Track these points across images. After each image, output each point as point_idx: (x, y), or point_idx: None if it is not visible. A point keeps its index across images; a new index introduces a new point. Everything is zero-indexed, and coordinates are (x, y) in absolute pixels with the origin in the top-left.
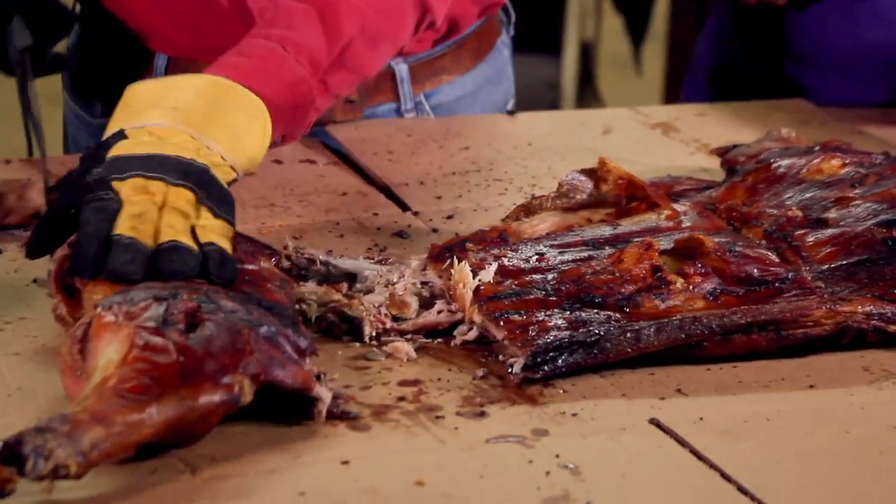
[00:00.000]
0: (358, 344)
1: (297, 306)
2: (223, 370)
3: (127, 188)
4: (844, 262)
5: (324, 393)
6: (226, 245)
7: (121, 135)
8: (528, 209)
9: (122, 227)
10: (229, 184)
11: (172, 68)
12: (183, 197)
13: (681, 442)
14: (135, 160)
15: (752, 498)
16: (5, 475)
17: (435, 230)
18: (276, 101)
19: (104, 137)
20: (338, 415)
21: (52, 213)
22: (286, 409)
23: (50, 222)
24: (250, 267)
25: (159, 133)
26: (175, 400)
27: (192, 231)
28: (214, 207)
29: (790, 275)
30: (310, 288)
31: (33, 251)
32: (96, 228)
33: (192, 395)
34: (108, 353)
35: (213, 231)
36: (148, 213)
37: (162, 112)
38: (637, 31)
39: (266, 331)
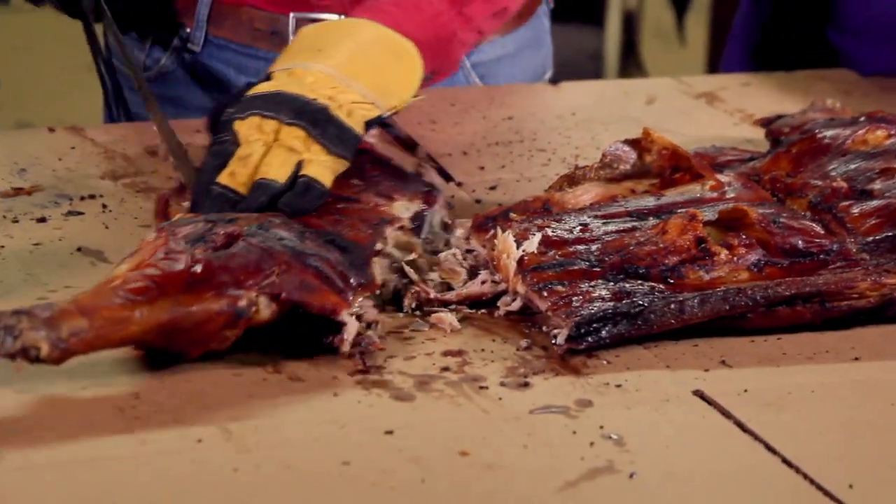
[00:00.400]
0: (401, 314)
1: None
2: (234, 284)
3: (244, 128)
4: (890, 234)
5: (350, 322)
6: (324, 178)
7: (266, 77)
8: (571, 179)
9: (225, 173)
10: (371, 121)
11: (214, 16)
12: (293, 135)
13: (725, 413)
14: (257, 99)
15: (797, 470)
16: None
17: (478, 201)
18: (420, 37)
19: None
20: (362, 352)
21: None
22: (314, 336)
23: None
24: (353, 206)
25: (299, 73)
26: (171, 304)
27: (299, 166)
28: (328, 144)
29: (835, 246)
30: (399, 238)
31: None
32: (207, 178)
33: (190, 301)
34: (132, 260)
35: (319, 165)
36: (253, 154)
37: (309, 54)
38: (680, 0)
39: (309, 258)
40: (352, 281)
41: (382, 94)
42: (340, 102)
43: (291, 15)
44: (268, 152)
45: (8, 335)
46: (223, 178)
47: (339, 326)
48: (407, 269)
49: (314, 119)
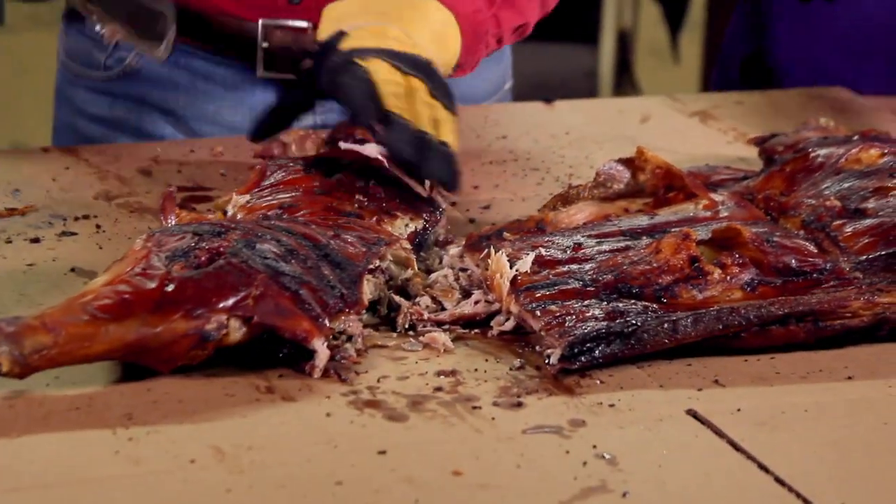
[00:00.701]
0: (395, 334)
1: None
2: (205, 305)
3: (376, 66)
4: (883, 253)
5: (321, 349)
6: (455, 145)
7: (341, 34)
8: (565, 199)
9: (391, 104)
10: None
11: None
12: (419, 87)
13: (718, 433)
14: (369, 50)
15: (790, 489)
16: None
17: (472, 220)
18: (462, 25)
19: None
20: (337, 375)
21: (285, 98)
22: (289, 359)
23: (282, 106)
24: (354, 222)
25: (377, 31)
26: (138, 324)
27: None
28: (444, 100)
29: (828, 265)
30: (397, 255)
31: (258, 133)
32: (363, 95)
33: (156, 322)
34: (111, 271)
35: (448, 128)
36: (404, 96)
37: (373, 16)
38: (674, 18)
39: (288, 281)
40: (331, 304)
41: (441, 55)
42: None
43: (260, 22)
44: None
45: None
46: (394, 108)
47: (312, 353)
48: (394, 296)
49: (427, 73)
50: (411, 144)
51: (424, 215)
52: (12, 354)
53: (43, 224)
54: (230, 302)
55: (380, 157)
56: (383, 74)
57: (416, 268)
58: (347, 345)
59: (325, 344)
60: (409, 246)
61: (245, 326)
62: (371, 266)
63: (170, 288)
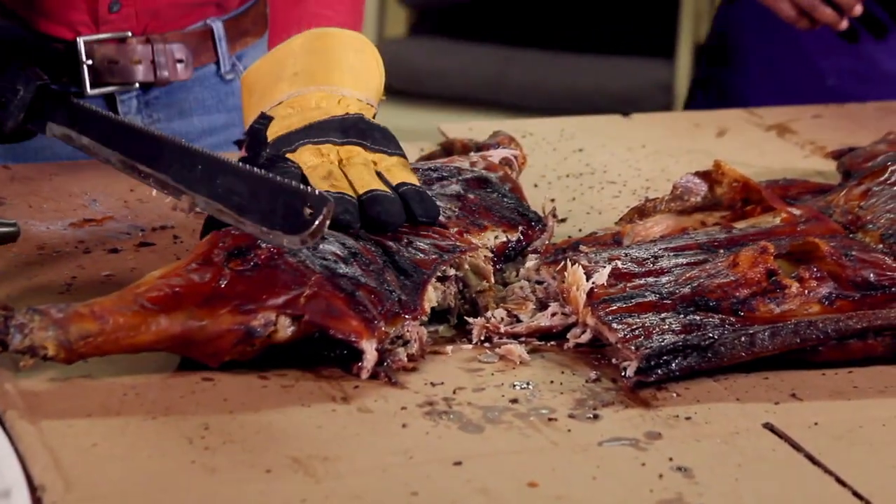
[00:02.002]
0: (471, 346)
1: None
2: (253, 301)
3: (303, 156)
4: None
5: (369, 351)
6: (414, 180)
7: (264, 118)
8: (641, 211)
9: (322, 186)
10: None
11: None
12: (354, 151)
13: (795, 446)
14: (293, 135)
15: (868, 503)
16: None
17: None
18: (357, 25)
19: (246, 128)
20: (387, 378)
21: None
22: (341, 361)
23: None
24: (433, 229)
25: (298, 103)
26: (184, 316)
27: (380, 176)
28: (384, 149)
29: None
30: (476, 263)
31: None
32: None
33: (203, 315)
34: (172, 265)
35: (398, 170)
36: (334, 172)
37: (288, 83)
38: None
39: (344, 282)
40: (387, 307)
41: (365, 91)
42: (356, 110)
43: (80, 39)
44: (344, 171)
45: (17, 332)
46: (324, 188)
47: (361, 354)
48: (462, 307)
49: (359, 131)
50: (350, 212)
51: (521, 228)
52: (58, 339)
53: (121, 235)
54: (280, 300)
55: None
56: (308, 160)
57: (492, 279)
58: (400, 349)
59: (377, 346)
60: (489, 255)
61: (295, 325)
62: (439, 273)
63: (222, 283)
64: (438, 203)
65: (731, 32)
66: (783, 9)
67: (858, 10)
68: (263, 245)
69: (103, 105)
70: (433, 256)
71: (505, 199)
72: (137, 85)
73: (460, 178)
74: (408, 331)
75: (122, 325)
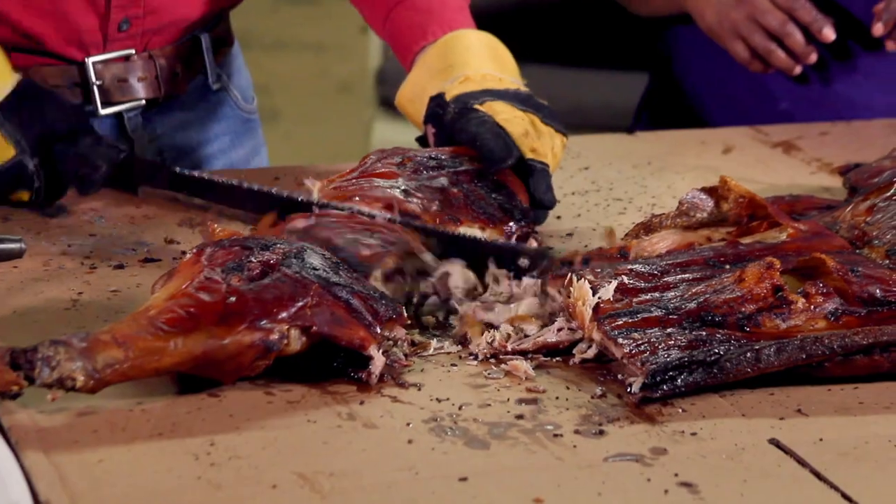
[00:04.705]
0: (476, 362)
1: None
2: (267, 316)
3: (494, 107)
4: None
5: (377, 356)
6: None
7: (438, 97)
8: (647, 227)
9: (523, 144)
10: None
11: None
12: (535, 119)
13: (801, 462)
14: (476, 93)
15: None
16: (12, 378)
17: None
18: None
19: (424, 123)
20: (393, 380)
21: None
22: (344, 368)
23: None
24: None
25: (468, 79)
26: (205, 336)
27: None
28: (554, 124)
29: None
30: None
31: None
32: (495, 139)
33: (223, 334)
34: (168, 287)
35: (559, 149)
36: (530, 132)
37: (447, 73)
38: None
39: (340, 290)
40: (381, 312)
41: (517, 77)
42: (523, 87)
43: (89, 60)
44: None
45: (45, 366)
46: (526, 150)
47: (367, 360)
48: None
49: (535, 104)
50: (551, 190)
51: (504, 226)
52: (86, 369)
53: (127, 250)
54: (290, 312)
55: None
56: (506, 114)
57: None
58: (395, 349)
59: (381, 350)
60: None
61: (304, 336)
62: (384, 268)
63: (232, 300)
64: (418, 194)
65: (680, 54)
66: (737, 51)
67: (813, 58)
68: (253, 258)
69: (113, 125)
70: (378, 251)
71: (494, 196)
72: (144, 102)
73: (455, 169)
74: (396, 331)
75: (145, 349)
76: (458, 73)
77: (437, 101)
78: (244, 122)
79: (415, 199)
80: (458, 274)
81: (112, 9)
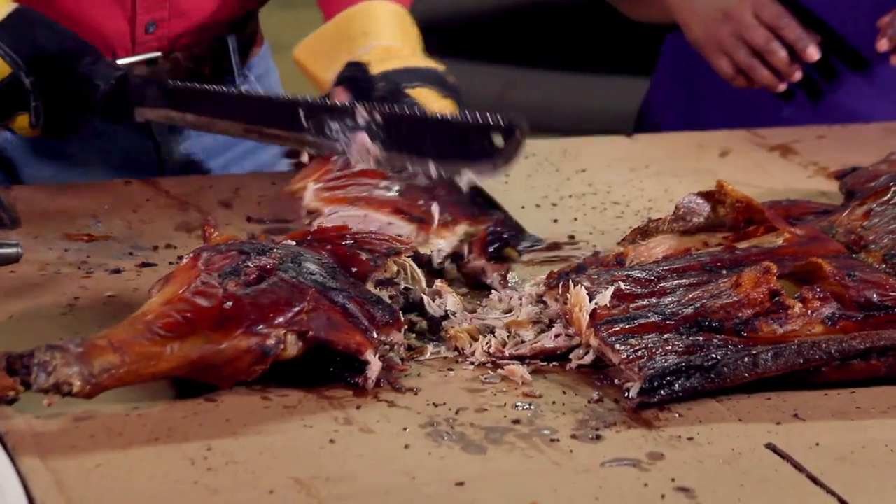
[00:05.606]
0: (473, 366)
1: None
2: (264, 321)
3: (423, 95)
4: None
5: (373, 361)
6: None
7: (356, 65)
8: (644, 232)
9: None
10: None
11: None
12: (454, 105)
13: (798, 467)
14: (402, 73)
15: None
16: (9, 384)
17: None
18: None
19: (332, 81)
20: (390, 385)
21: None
22: (341, 373)
23: None
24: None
25: (386, 52)
26: (201, 341)
27: None
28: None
29: None
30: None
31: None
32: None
33: (219, 339)
34: (165, 291)
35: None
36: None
37: (363, 39)
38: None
39: (336, 295)
40: (378, 317)
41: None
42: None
43: (116, 63)
44: None
45: (41, 371)
46: None
47: (364, 365)
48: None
49: (450, 87)
50: None
51: (485, 224)
52: (82, 375)
53: (123, 255)
54: (286, 317)
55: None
56: (435, 104)
57: (422, 282)
58: (391, 353)
59: (378, 355)
60: (409, 253)
61: (301, 341)
62: (378, 278)
63: (228, 305)
64: (412, 195)
65: (685, 60)
66: (721, 66)
67: (798, 76)
68: (250, 263)
69: (139, 126)
70: (365, 264)
71: (461, 191)
72: None
73: None
74: (393, 336)
75: (141, 354)
76: (373, 43)
77: (358, 69)
78: None
79: (414, 201)
80: (449, 299)
81: (138, 11)
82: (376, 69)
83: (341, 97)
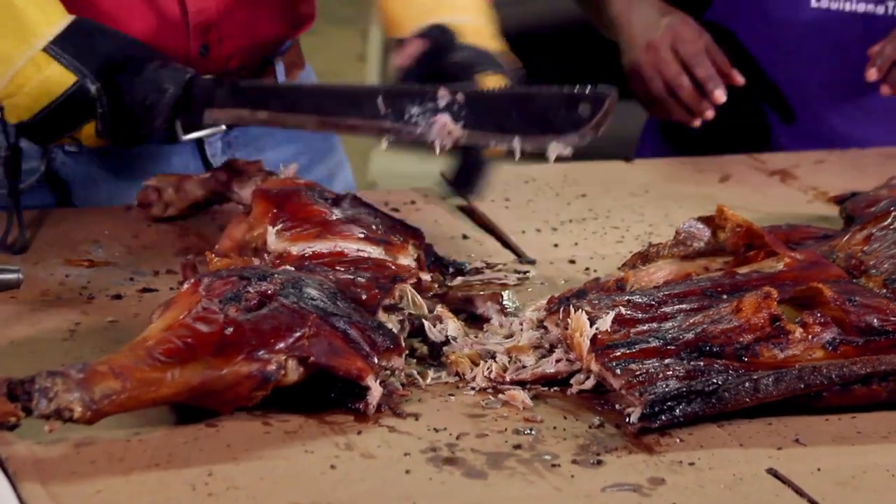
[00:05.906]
0: (473, 391)
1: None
2: (265, 347)
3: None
4: None
5: (374, 386)
6: None
7: (440, 27)
8: (645, 257)
9: None
10: None
11: None
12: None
13: (799, 492)
14: (482, 56)
15: None
16: (10, 409)
17: (551, 278)
18: None
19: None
20: (391, 410)
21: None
22: (342, 399)
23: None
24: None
25: (472, 28)
26: (202, 367)
27: None
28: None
29: None
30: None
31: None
32: None
33: (220, 364)
34: (166, 317)
35: None
36: None
37: (445, 9)
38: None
39: (338, 321)
40: (378, 342)
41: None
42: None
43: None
44: None
45: (42, 397)
46: None
47: (365, 390)
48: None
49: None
50: None
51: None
52: (83, 401)
53: (124, 280)
54: (287, 342)
55: None
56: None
57: (416, 301)
58: (392, 378)
59: (379, 381)
60: (427, 279)
61: (302, 366)
62: (386, 303)
63: (229, 331)
64: (369, 225)
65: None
66: (654, 87)
67: (710, 115)
68: (251, 289)
69: (193, 150)
70: (374, 292)
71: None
72: (224, 127)
73: (352, 198)
74: (394, 361)
75: (142, 380)
76: (463, 17)
77: (442, 32)
78: (322, 141)
79: (367, 227)
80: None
81: (191, 36)
82: (463, 38)
83: (415, 45)
